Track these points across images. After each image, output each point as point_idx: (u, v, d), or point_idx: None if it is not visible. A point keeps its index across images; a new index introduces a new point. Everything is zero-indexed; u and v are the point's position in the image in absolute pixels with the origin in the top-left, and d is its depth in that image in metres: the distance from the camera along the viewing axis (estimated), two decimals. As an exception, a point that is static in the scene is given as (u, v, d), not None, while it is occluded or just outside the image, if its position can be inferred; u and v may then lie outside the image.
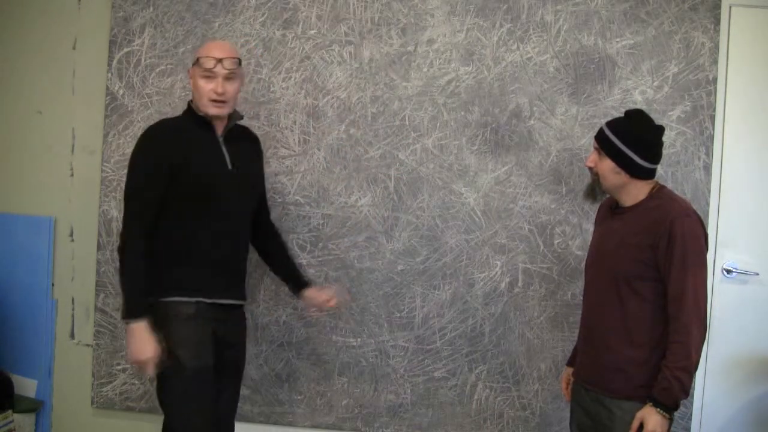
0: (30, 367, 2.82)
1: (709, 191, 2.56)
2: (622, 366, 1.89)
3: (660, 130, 1.97)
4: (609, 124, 1.97)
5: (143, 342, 1.99)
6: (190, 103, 2.15)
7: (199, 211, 2.07)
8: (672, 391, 1.79)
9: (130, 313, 2.01)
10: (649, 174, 1.95)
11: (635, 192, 1.96)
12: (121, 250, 2.05)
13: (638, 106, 2.55)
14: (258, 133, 2.63)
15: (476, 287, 2.61)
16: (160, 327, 2.02)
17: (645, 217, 1.90)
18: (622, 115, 1.99)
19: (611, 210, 2.04)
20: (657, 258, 1.85)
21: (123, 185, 2.67)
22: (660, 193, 1.95)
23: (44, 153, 2.83)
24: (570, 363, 2.16)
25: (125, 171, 2.65)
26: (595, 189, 2.04)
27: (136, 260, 2.03)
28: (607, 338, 1.93)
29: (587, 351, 2.03)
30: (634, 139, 1.92)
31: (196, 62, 2.09)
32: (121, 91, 2.69)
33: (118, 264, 2.09)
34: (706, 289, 1.86)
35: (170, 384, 2.05)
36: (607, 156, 1.94)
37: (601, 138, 1.97)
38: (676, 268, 1.81)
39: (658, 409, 1.80)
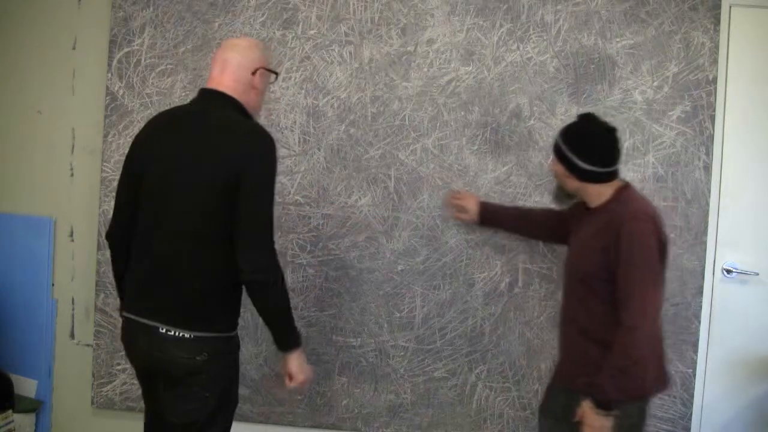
0: (30, 367, 2.82)
1: (709, 191, 2.56)
2: (586, 363, 1.94)
3: (605, 134, 1.99)
4: (562, 129, 2.05)
5: (305, 362, 1.98)
6: (241, 104, 1.92)
7: None
8: (603, 389, 1.81)
9: (300, 339, 1.96)
10: (600, 177, 1.98)
11: (597, 194, 2.01)
12: (274, 278, 1.83)
13: (638, 106, 2.56)
14: (258, 133, 2.64)
15: (476, 287, 2.61)
16: (228, 363, 1.92)
17: (603, 219, 1.95)
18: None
19: (584, 210, 2.09)
20: (609, 260, 1.88)
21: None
22: (621, 195, 1.99)
23: (44, 153, 2.83)
24: None
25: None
26: (559, 193, 2.12)
27: (286, 286, 1.90)
28: (573, 336, 2.02)
29: (559, 347, 2.14)
30: (577, 143, 1.98)
31: (272, 71, 2.02)
32: (121, 91, 2.69)
33: (273, 294, 1.85)
34: (658, 291, 1.87)
35: (223, 415, 1.94)
36: (558, 160, 2.02)
37: (554, 142, 2.04)
38: (622, 271, 1.84)
39: (593, 406, 1.82)
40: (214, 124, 1.85)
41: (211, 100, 1.90)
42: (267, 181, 1.82)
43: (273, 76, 2.04)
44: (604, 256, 1.89)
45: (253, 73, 1.92)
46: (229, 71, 1.90)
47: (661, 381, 1.98)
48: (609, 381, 1.81)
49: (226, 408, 1.94)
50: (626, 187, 2.02)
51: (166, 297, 1.84)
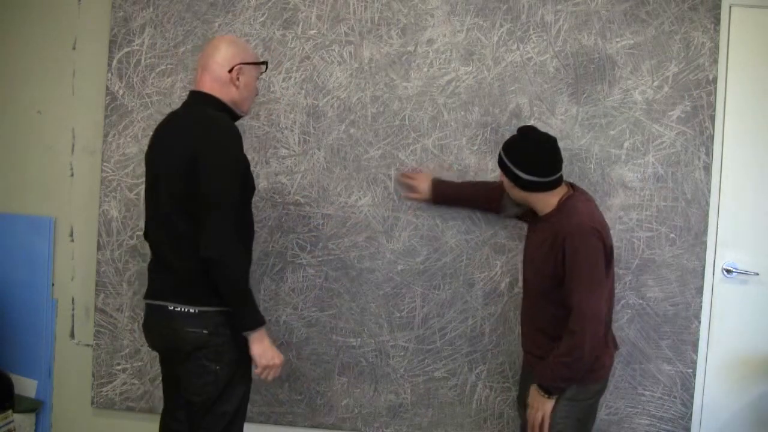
0: (30, 367, 2.82)
1: (709, 191, 2.56)
2: (546, 355, 2.10)
3: (544, 144, 2.10)
4: (504, 142, 2.15)
5: (272, 346, 1.98)
6: (219, 100, 2.03)
7: (245, 217, 2.05)
8: (546, 375, 2.04)
9: (259, 320, 1.95)
10: (543, 186, 2.09)
11: (543, 203, 2.13)
12: (229, 259, 1.88)
13: (638, 106, 2.56)
14: (258, 133, 2.65)
15: (476, 287, 2.61)
16: (234, 336, 1.97)
17: (549, 230, 2.08)
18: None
19: (535, 215, 2.20)
20: (557, 271, 2.02)
21: (123, 185, 2.68)
22: (565, 204, 2.10)
23: (44, 153, 2.83)
24: None
25: (125, 171, 2.69)
26: (508, 203, 2.24)
27: (246, 267, 2.00)
28: (534, 333, 2.19)
29: (523, 340, 2.29)
30: (517, 155, 2.09)
31: (255, 64, 2.08)
32: (121, 91, 2.69)
33: (224, 274, 1.89)
34: (600, 298, 2.00)
35: (238, 389, 2.03)
36: (502, 173, 2.13)
37: (498, 156, 2.15)
38: (569, 281, 2.01)
39: (538, 389, 2.07)
40: (183, 120, 2.01)
41: (194, 100, 2.05)
42: (217, 163, 1.89)
43: (262, 67, 2.14)
44: (552, 267, 2.04)
45: (230, 71, 2.02)
46: (206, 72, 2.03)
47: (602, 371, 2.14)
48: (551, 371, 2.03)
49: (239, 380, 2.02)
50: (570, 196, 2.12)
51: (169, 278, 1.99)
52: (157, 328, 2.04)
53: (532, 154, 2.08)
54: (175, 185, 1.93)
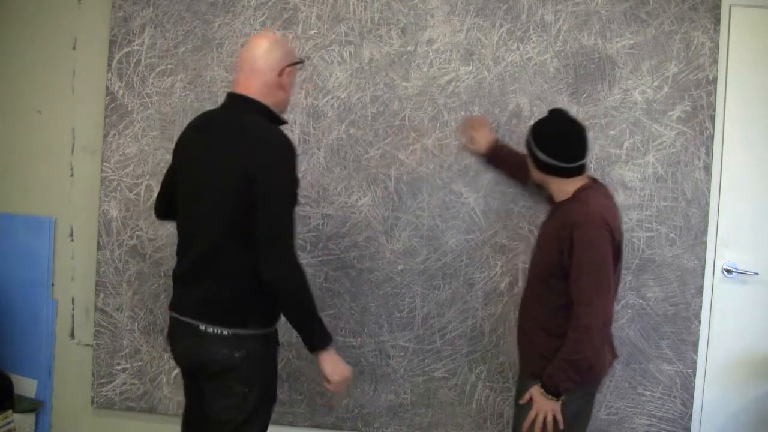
0: (30, 367, 2.83)
1: (709, 191, 2.56)
2: (541, 352, 2.05)
3: (568, 129, 2.05)
4: (536, 120, 2.12)
5: (341, 361, 1.95)
6: (267, 107, 1.93)
7: None
8: (554, 378, 1.96)
9: (329, 338, 1.93)
10: (560, 171, 2.03)
11: (558, 189, 2.08)
12: (292, 284, 1.86)
13: (638, 106, 2.56)
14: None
15: (476, 287, 2.61)
16: (265, 360, 1.94)
17: (559, 219, 2.03)
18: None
19: (552, 201, 2.16)
20: (563, 261, 1.97)
21: (123, 185, 2.68)
22: (578, 194, 2.04)
23: (44, 153, 2.83)
24: None
25: (125, 171, 2.69)
26: (533, 181, 2.21)
27: (308, 283, 1.90)
28: (528, 326, 2.13)
29: (521, 340, 2.21)
30: (539, 135, 2.05)
31: (298, 63, 2.01)
32: (121, 91, 2.69)
33: (294, 301, 1.88)
34: (607, 294, 1.95)
35: (263, 413, 1.97)
36: (527, 151, 2.10)
37: (526, 134, 2.12)
38: (574, 273, 1.95)
39: (543, 392, 1.99)
40: (235, 130, 1.89)
41: (237, 105, 1.93)
42: (279, 187, 1.83)
43: (299, 65, 2.05)
44: (558, 255, 1.98)
45: (280, 74, 1.93)
46: (255, 76, 1.91)
47: (602, 370, 2.08)
48: (560, 371, 1.95)
49: (264, 404, 1.97)
50: (588, 186, 2.06)
51: (203, 297, 1.90)
52: (184, 345, 1.95)
53: (553, 136, 2.03)
54: (225, 203, 1.85)
